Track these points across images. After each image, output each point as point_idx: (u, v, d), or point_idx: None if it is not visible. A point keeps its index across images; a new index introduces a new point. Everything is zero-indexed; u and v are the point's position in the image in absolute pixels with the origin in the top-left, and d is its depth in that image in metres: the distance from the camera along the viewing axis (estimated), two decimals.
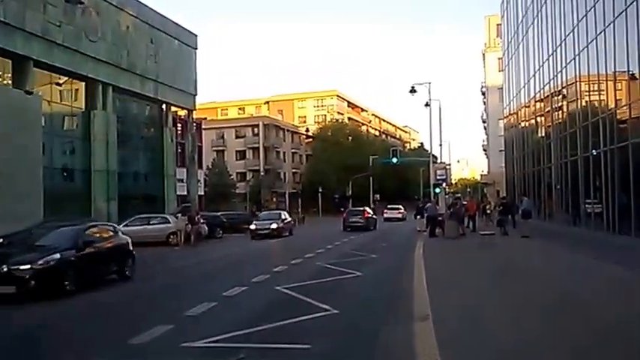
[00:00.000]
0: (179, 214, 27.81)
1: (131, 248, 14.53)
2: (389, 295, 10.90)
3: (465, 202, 30.50)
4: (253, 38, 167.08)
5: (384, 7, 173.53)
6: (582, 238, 21.33)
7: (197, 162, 46.55)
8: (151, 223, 27.20)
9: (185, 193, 43.08)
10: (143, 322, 8.47)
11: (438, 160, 42.04)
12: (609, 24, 20.30)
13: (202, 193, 49.69)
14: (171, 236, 26.37)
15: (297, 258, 17.39)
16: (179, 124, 45.46)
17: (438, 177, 31.39)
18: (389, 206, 55.16)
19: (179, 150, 44.53)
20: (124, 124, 36.28)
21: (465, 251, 18.00)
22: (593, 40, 22.34)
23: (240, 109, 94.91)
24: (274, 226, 29.98)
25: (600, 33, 21.35)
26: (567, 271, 12.82)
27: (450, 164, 43.24)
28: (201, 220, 27.95)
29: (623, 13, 18.84)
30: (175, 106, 42.16)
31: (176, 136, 43.69)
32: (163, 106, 40.47)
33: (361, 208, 39.91)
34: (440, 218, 25.62)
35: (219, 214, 33.93)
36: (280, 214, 32.96)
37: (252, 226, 30.19)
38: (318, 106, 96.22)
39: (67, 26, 29.53)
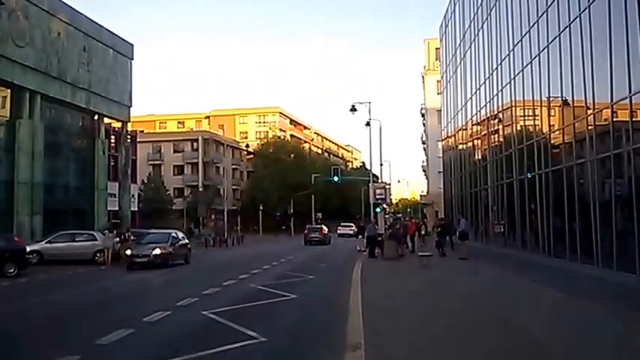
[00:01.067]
0: (106, 231, 26.36)
1: None
2: (322, 321, 10.36)
3: (405, 223, 30.47)
4: (196, 52, 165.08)
5: (328, 26, 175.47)
6: (519, 261, 21.47)
7: (130, 176, 44.80)
8: (77, 240, 25.58)
9: (117, 208, 41.31)
10: (44, 354, 7.53)
11: (379, 180, 42.16)
12: (543, 49, 20.78)
13: (136, 209, 47.79)
14: (98, 254, 24.85)
15: (231, 279, 16.62)
16: (112, 136, 43.76)
17: (378, 196, 31.24)
18: (342, 224, 61.88)
19: (112, 163, 42.79)
20: (52, 134, 34.48)
21: (402, 274, 17.70)
22: (528, 65, 22.83)
23: (179, 122, 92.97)
24: (157, 252, 21.98)
25: (535, 58, 21.84)
26: (506, 296, 12.59)
27: (389, 184, 43.40)
28: (132, 237, 26.58)
29: (557, 39, 19.28)
30: (108, 117, 40.57)
31: (109, 148, 41.99)
32: (96, 116, 38.79)
33: (319, 226, 48.46)
34: (379, 238, 25.36)
35: (151, 231, 32.44)
36: (171, 235, 24.60)
37: (128, 252, 22.42)
38: (260, 123, 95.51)
39: None
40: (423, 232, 31.98)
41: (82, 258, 24.25)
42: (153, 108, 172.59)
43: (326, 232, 45.55)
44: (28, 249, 23.08)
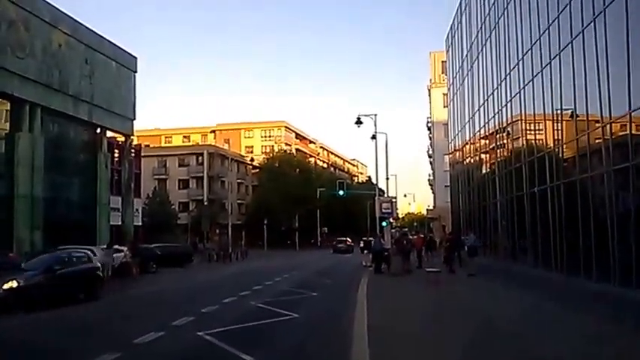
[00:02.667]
0: (104, 247, 25.81)
1: None
2: (325, 343, 9.64)
3: (411, 237, 29.69)
4: (202, 66, 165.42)
5: (333, 39, 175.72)
6: (530, 278, 20.64)
7: (134, 190, 44.24)
8: None
9: (119, 222, 40.67)
10: None
11: (386, 194, 41.43)
12: (555, 56, 20.05)
13: (140, 224, 47.16)
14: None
15: (231, 296, 15.91)
16: (116, 150, 43.31)
17: (384, 210, 30.47)
18: (363, 238, 67.15)
19: (115, 177, 42.27)
20: (54, 147, 33.98)
21: (410, 291, 16.93)
22: (538, 74, 22.11)
23: (185, 137, 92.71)
24: (11, 285, 14.55)
25: (546, 66, 21.09)
26: (525, 320, 11.52)
27: (395, 198, 42.60)
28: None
29: (569, 46, 18.57)
30: (111, 130, 40.13)
31: (113, 162, 41.51)
32: (98, 130, 38.31)
33: (345, 239, 58.96)
34: (386, 253, 24.62)
35: (152, 246, 31.85)
36: (59, 257, 17.24)
37: None
38: (265, 137, 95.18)
39: None
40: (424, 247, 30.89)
41: None
42: (158, 122, 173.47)
43: (350, 243, 56.66)
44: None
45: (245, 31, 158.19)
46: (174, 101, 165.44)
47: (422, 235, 35.59)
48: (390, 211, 31.07)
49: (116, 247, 26.33)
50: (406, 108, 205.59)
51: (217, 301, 14.85)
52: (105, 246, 26.15)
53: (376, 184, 36.51)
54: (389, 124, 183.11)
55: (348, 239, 58.74)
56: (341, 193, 48.64)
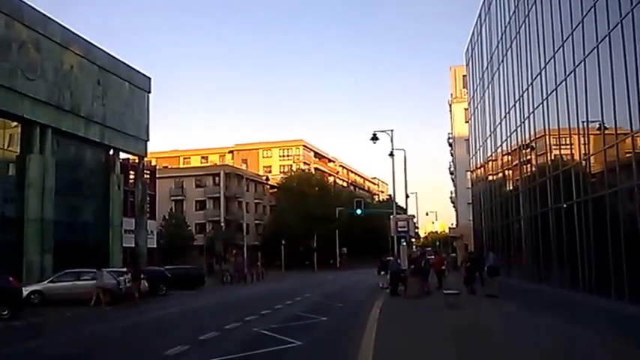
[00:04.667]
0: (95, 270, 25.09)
1: None
2: None
3: (430, 257, 28.46)
4: (219, 86, 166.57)
5: (353, 54, 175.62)
6: (558, 300, 19.26)
7: (149, 212, 43.72)
8: (81, 278, 24.26)
9: (133, 244, 40.09)
10: None
11: (406, 213, 40.26)
12: (579, 63, 18.91)
13: (154, 246, 46.53)
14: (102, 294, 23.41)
15: (235, 322, 15.03)
16: (131, 172, 42.94)
17: (400, 229, 29.28)
18: (381, 259, 71.04)
19: (130, 199, 41.82)
20: (65, 169, 33.66)
21: (426, 317, 15.68)
22: (562, 82, 20.94)
23: (203, 157, 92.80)
24: None
25: (570, 74, 19.94)
26: (553, 349, 10.19)
27: (414, 216, 41.30)
28: (141, 275, 25.19)
29: (594, 50, 17.44)
30: (124, 151, 39.78)
31: (127, 183, 41.08)
32: (111, 151, 37.97)
33: (389, 258, 65.06)
34: (403, 274, 23.42)
35: (163, 268, 31.13)
36: None
37: None
38: (283, 156, 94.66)
39: (0, 62, 27.27)
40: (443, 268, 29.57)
41: (86, 297, 22.88)
42: (177, 143, 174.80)
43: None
44: (29, 289, 22.10)
45: (262, 50, 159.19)
46: (193, 122, 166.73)
47: (441, 255, 34.19)
48: (406, 229, 29.91)
49: (108, 270, 25.62)
50: (430, 124, 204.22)
51: (219, 326, 14.07)
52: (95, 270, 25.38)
53: (394, 202, 35.26)
54: (412, 141, 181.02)
55: (391, 259, 61.73)
56: (359, 212, 47.62)
